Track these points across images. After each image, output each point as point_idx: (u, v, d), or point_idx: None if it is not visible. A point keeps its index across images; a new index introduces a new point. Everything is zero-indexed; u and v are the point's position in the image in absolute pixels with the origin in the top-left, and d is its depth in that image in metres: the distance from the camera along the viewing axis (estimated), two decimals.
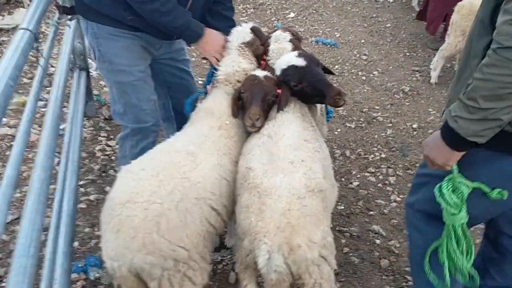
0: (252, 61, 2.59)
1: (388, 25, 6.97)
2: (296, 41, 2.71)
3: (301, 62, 2.31)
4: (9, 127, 4.07)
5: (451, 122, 1.60)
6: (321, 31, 6.80)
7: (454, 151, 1.66)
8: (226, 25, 2.72)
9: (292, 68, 2.32)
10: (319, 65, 2.39)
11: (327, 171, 2.14)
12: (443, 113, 1.80)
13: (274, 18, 7.26)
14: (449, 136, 1.63)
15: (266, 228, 1.79)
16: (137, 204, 1.81)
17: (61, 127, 2.91)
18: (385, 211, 3.29)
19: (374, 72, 5.55)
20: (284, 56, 2.47)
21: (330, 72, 2.58)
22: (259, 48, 2.62)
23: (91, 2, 2.42)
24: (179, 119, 3.09)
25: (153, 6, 2.29)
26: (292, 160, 1.99)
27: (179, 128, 3.04)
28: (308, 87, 2.30)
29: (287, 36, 2.67)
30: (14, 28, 6.37)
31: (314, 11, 7.59)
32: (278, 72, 2.39)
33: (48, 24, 3.13)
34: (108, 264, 1.84)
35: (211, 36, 2.57)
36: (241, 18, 7.14)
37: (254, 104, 2.27)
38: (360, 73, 5.54)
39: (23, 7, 7.10)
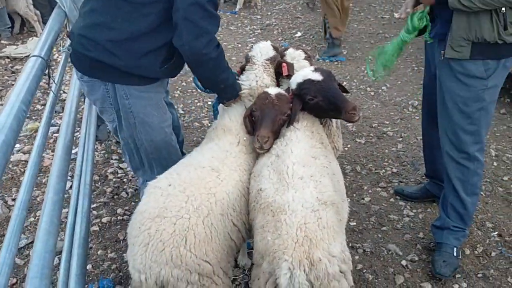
0: (273, 77, 2.64)
1: None
2: (309, 59, 2.76)
3: (317, 76, 2.33)
4: (23, 153, 4.15)
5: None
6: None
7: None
8: None
9: (308, 82, 2.34)
10: (335, 81, 2.41)
11: (336, 186, 2.13)
12: None
13: (281, 38, 7.35)
14: None
15: (284, 245, 1.76)
16: (166, 218, 1.88)
17: (73, 151, 2.96)
18: (398, 226, 3.26)
19: (383, 88, 5.56)
20: (300, 71, 2.50)
21: (345, 90, 2.58)
22: (279, 64, 2.64)
23: (125, 67, 2.32)
24: None
25: (215, 63, 2.32)
26: (301, 176, 2.00)
27: None
28: (323, 101, 2.31)
29: (301, 53, 2.72)
30: (27, 57, 6.56)
31: (320, 30, 7.66)
32: (293, 86, 2.41)
33: (60, 51, 3.21)
34: (135, 277, 1.88)
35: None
36: (248, 39, 7.26)
37: (263, 126, 2.28)
38: (368, 88, 5.56)
39: (36, 36, 7.32)
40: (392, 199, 3.56)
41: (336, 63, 6.36)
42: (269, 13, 8.61)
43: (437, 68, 2.70)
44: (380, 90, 5.51)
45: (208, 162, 2.19)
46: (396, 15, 5.33)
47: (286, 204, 1.88)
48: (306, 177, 1.99)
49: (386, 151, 4.24)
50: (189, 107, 5.17)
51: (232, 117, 2.47)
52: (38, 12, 7.41)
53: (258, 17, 8.49)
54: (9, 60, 6.51)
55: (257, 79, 2.56)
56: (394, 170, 3.93)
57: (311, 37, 7.40)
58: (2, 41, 7.20)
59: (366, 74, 5.95)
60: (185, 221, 1.88)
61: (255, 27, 7.92)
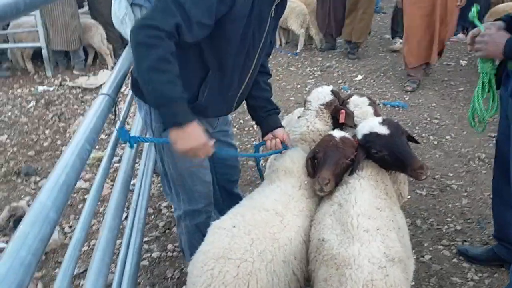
0: (328, 122, 2.61)
1: (461, 88, 6.74)
2: (374, 105, 2.70)
3: (384, 130, 2.26)
4: (84, 180, 4.30)
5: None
6: (389, 94, 6.71)
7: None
8: (264, 79, 2.66)
9: (375, 135, 2.27)
10: (403, 134, 2.32)
11: (402, 242, 2.01)
12: None
13: (341, 81, 7.30)
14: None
15: None
16: (230, 260, 1.84)
17: (132, 182, 3.02)
18: None
19: (447, 137, 5.32)
20: (367, 120, 2.45)
21: (414, 140, 2.47)
22: (337, 110, 2.60)
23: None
24: (223, 194, 3.06)
25: (141, 49, 1.92)
26: (366, 229, 1.91)
27: (224, 201, 2.99)
28: (389, 156, 2.23)
29: (365, 100, 2.68)
30: (97, 88, 6.93)
31: (382, 74, 7.55)
32: (359, 136, 2.36)
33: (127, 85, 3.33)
34: None
35: (190, 133, 2.04)
36: (308, 81, 7.27)
37: (325, 168, 2.22)
38: (431, 137, 5.33)
39: (107, 68, 7.75)
40: (455, 259, 3.30)
41: (397, 109, 6.19)
42: (329, 55, 8.63)
43: (511, 122, 2.55)
44: (444, 140, 5.26)
45: (272, 205, 2.15)
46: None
47: (351, 257, 1.79)
48: (372, 230, 1.90)
49: (450, 205, 3.99)
50: (245, 145, 5.18)
51: (294, 159, 2.43)
52: (110, 46, 7.88)
53: (319, 59, 8.53)
54: (80, 90, 6.90)
55: (308, 124, 2.58)
56: (458, 228, 3.67)
57: (371, 81, 7.29)
58: (75, 72, 7.68)
59: (429, 122, 5.75)
60: (248, 265, 1.83)
61: (315, 68, 7.94)
